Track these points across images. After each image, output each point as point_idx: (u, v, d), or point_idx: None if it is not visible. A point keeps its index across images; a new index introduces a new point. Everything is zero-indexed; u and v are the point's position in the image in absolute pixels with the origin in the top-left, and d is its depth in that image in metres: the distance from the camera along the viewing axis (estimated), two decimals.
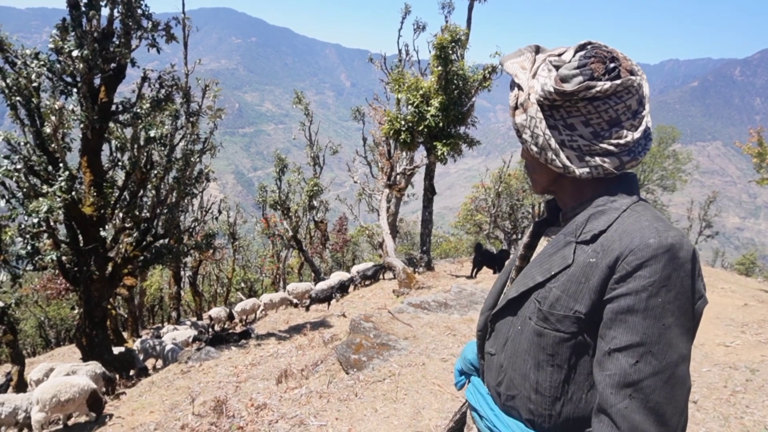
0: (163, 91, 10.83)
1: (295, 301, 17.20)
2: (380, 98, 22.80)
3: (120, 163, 11.47)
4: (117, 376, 10.19)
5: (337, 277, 18.02)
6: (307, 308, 15.24)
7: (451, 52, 12.72)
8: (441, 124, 13.04)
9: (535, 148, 1.20)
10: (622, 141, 1.13)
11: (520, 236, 30.03)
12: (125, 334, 18.16)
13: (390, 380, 5.43)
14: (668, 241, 1.02)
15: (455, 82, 13.05)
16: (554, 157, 1.17)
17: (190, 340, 12.91)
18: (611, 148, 1.13)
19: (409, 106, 13.30)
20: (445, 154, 13.21)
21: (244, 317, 17.54)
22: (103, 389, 8.75)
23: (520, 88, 1.21)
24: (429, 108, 12.93)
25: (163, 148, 11.43)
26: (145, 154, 11.13)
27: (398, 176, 19.28)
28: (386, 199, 16.59)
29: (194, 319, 22.79)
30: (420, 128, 13.12)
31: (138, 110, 10.45)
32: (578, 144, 1.15)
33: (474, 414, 1.38)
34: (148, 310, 30.97)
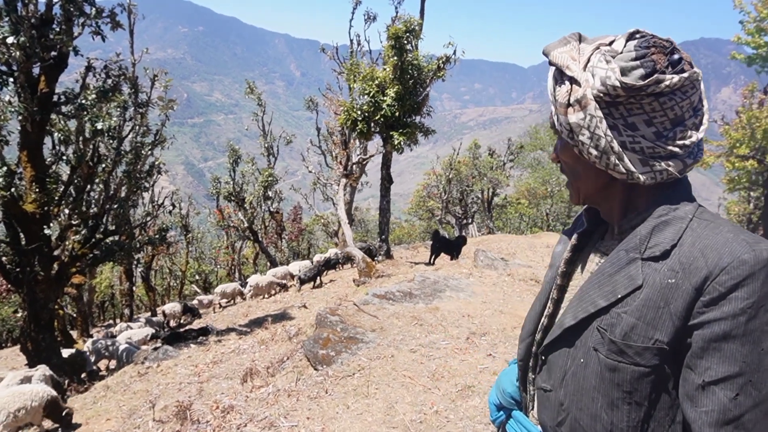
0: (109, 81, 10.34)
1: (284, 282, 16.92)
2: (333, 88, 22.58)
3: (64, 157, 10.90)
4: (67, 381, 9.78)
5: (296, 265, 17.90)
6: (299, 289, 15.25)
7: (405, 42, 12.67)
8: (397, 114, 13.01)
9: (594, 152, 1.03)
10: (687, 142, 1.01)
11: (470, 221, 30.51)
12: (74, 334, 17.48)
13: (360, 374, 5.38)
14: (764, 255, 0.90)
15: (410, 71, 13.02)
16: (617, 161, 1.02)
17: (148, 338, 12.54)
18: (676, 149, 1.01)
19: (365, 96, 13.21)
20: (402, 143, 13.20)
21: (225, 300, 17.42)
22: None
23: (574, 81, 1.03)
24: (385, 98, 12.87)
25: (111, 141, 10.96)
26: (92, 147, 10.65)
27: (354, 166, 19.19)
28: (343, 189, 16.49)
29: (148, 314, 22.14)
30: (377, 118, 13.06)
31: (83, 101, 9.94)
32: (641, 146, 1.01)
33: None
34: (98, 307, 29.94)
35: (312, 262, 18.57)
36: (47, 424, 6.97)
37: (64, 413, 6.76)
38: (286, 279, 17.53)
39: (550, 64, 1.08)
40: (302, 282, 15.29)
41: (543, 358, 1.18)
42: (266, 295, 16.49)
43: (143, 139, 11.64)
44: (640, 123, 1.00)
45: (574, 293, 1.15)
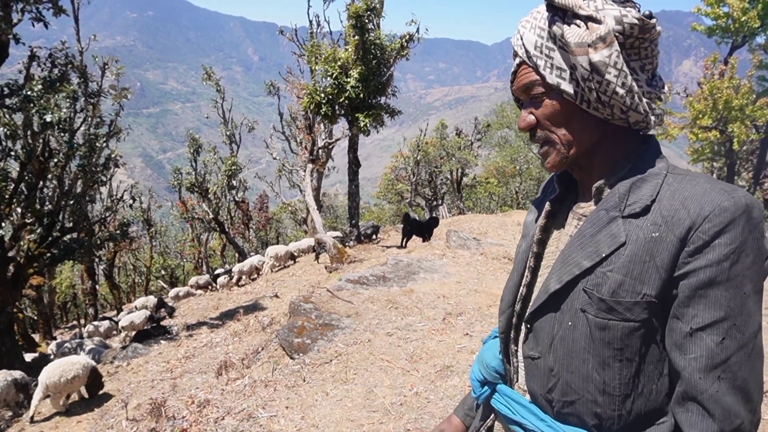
0: (56, 70, 9.84)
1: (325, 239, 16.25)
2: (294, 71, 22.16)
3: (12, 153, 10.35)
4: (34, 383, 9.38)
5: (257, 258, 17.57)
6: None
7: (367, 21, 12.42)
8: (362, 95, 12.79)
9: (621, 90, 0.99)
10: (665, 90, 1.04)
11: (440, 202, 30.63)
12: (36, 338, 16.88)
13: (337, 361, 5.29)
14: (743, 201, 0.92)
15: (373, 51, 12.80)
16: (639, 100, 1.01)
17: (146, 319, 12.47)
18: (661, 96, 1.04)
19: (328, 78, 12.94)
20: (368, 125, 13.01)
21: (243, 277, 17.01)
22: (19, 398, 8.00)
23: (591, 20, 0.99)
24: (348, 79, 12.63)
25: (62, 134, 10.46)
26: (42, 141, 10.15)
27: (320, 150, 18.91)
28: (310, 175, 16.23)
29: (113, 314, 21.57)
30: (341, 100, 12.82)
31: (28, 93, 9.41)
32: (642, 90, 1.02)
33: (515, 428, 1.18)
34: (60, 308, 29.11)
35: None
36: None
37: (99, 383, 7.38)
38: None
39: (555, 7, 1.02)
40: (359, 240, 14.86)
41: (528, 326, 1.15)
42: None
43: (97, 130, 11.19)
44: (637, 68, 1.02)
45: (550, 260, 1.16)
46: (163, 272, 31.72)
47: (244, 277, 17.06)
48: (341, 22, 13.90)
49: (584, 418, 1.05)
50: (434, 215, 23.51)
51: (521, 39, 1.08)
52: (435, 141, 29.82)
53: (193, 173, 22.68)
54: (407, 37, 13.10)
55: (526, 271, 1.20)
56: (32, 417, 6.99)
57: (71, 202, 10.96)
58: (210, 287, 18.17)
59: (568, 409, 1.06)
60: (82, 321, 23.40)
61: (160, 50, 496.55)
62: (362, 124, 12.89)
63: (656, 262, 0.96)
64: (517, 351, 1.21)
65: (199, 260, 30.10)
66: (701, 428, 0.93)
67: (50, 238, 10.63)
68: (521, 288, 1.20)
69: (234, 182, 24.43)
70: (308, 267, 14.51)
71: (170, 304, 16.81)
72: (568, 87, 1.03)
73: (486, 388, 1.32)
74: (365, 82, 12.73)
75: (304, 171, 16.58)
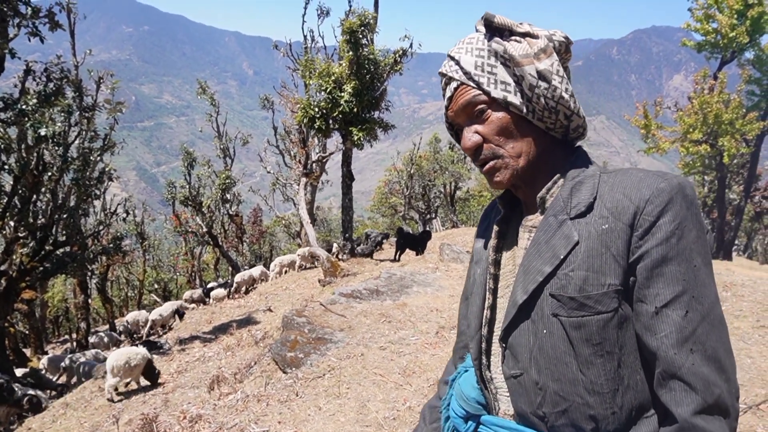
0: (51, 84, 9.85)
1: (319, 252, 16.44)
2: (288, 86, 22.26)
3: (6, 167, 10.33)
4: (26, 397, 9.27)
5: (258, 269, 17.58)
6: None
7: (361, 36, 12.54)
8: (355, 110, 12.88)
9: (566, 95, 1.08)
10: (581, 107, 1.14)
11: (434, 216, 30.70)
12: (28, 352, 16.71)
13: (330, 375, 5.28)
14: (675, 181, 1.00)
15: (367, 66, 12.90)
16: (578, 105, 1.11)
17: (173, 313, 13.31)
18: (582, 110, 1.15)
19: (322, 93, 13.02)
20: (362, 139, 13.10)
21: (244, 288, 17.14)
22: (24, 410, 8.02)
23: (530, 36, 1.09)
24: (342, 94, 12.72)
25: (56, 148, 10.46)
26: (36, 154, 10.14)
27: (314, 164, 18.96)
28: (303, 188, 16.26)
29: (106, 328, 21.40)
30: (335, 114, 12.89)
31: (23, 107, 9.42)
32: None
33: None
34: (52, 322, 28.82)
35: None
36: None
37: (155, 373, 7.93)
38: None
39: (493, 28, 1.10)
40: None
41: (504, 345, 1.14)
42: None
43: (91, 144, 11.18)
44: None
45: (509, 279, 1.18)
46: (156, 286, 31.53)
47: (244, 287, 17.18)
48: (335, 37, 14.03)
49: (580, 425, 1.04)
50: (427, 229, 23.53)
51: (458, 63, 1.12)
52: (428, 155, 29.94)
53: (187, 187, 22.64)
54: (401, 52, 13.24)
55: (487, 294, 1.21)
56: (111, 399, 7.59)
57: (64, 216, 10.94)
58: (204, 302, 18.10)
59: (562, 420, 1.05)
60: (74, 335, 23.19)
61: (156, 64, 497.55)
62: (356, 138, 12.97)
63: (612, 251, 1.00)
64: (492, 377, 1.20)
65: (193, 274, 29.93)
66: (687, 403, 0.94)
67: (43, 252, 10.59)
68: (485, 311, 1.21)
69: (228, 196, 24.40)
70: (302, 281, 14.49)
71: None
72: (514, 99, 1.08)
73: (470, 423, 1.27)
74: (359, 96, 12.82)
75: (298, 184, 16.60)
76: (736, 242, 27.16)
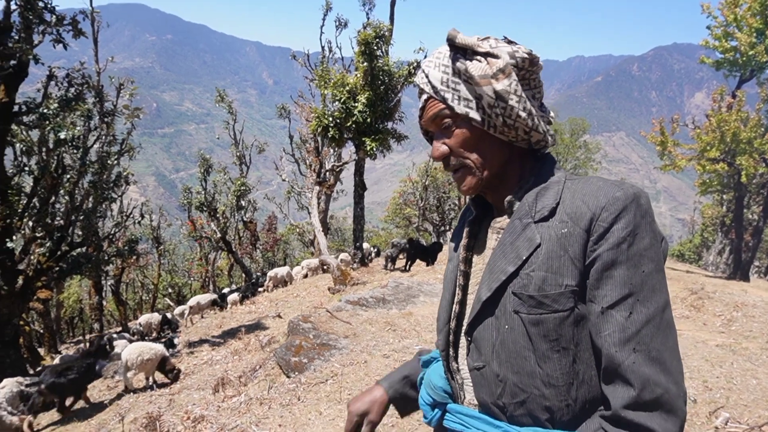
0: (72, 89, 10.11)
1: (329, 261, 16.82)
2: (305, 95, 22.52)
3: (27, 168, 10.60)
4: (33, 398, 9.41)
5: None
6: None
7: (375, 47, 12.70)
8: (369, 120, 13.01)
9: (524, 114, 1.14)
10: (552, 115, 1.21)
11: (448, 228, 30.65)
12: (42, 351, 16.97)
13: (333, 381, 5.33)
14: (631, 191, 1.06)
15: (381, 77, 13.05)
16: (538, 121, 1.16)
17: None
18: (550, 120, 1.22)
19: (336, 103, 13.18)
20: (374, 149, 13.21)
21: (272, 285, 17.79)
22: (24, 408, 8.01)
23: (490, 56, 1.14)
24: (356, 104, 12.87)
25: (75, 151, 10.69)
26: (56, 157, 10.39)
27: (328, 173, 19.11)
28: (317, 197, 16.39)
29: (119, 329, 21.64)
30: (348, 124, 13.03)
31: (45, 111, 9.68)
32: (537, 114, 1.18)
33: None
34: (66, 323, 29.19)
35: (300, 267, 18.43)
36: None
37: (173, 369, 8.11)
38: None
39: (456, 47, 1.17)
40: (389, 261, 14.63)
41: (469, 338, 1.21)
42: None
43: (109, 148, 11.40)
44: (529, 96, 1.17)
45: (478, 277, 1.23)
46: (170, 290, 31.80)
47: (272, 283, 17.90)
48: (352, 48, 14.21)
49: (536, 415, 1.10)
50: (440, 240, 23.51)
51: (427, 77, 1.19)
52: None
53: (203, 192, 22.91)
54: (415, 63, 13.36)
55: (457, 289, 1.28)
56: (126, 388, 7.89)
57: (81, 218, 11.15)
58: (220, 306, 18.31)
59: (520, 410, 1.12)
60: (88, 336, 23.47)
61: (177, 72, 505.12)
62: (368, 148, 13.08)
63: (569, 254, 1.06)
64: (459, 368, 1.27)
65: (207, 279, 30.17)
66: (621, 396, 0.99)
67: (59, 252, 10.79)
68: (454, 306, 1.28)
69: (243, 202, 24.61)
70: (312, 288, 14.57)
71: (176, 320, 16.97)
72: (475, 115, 1.15)
73: (437, 410, 1.35)
74: (372, 107, 12.95)
75: (312, 193, 16.74)
76: (756, 264, 26.72)
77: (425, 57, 13.40)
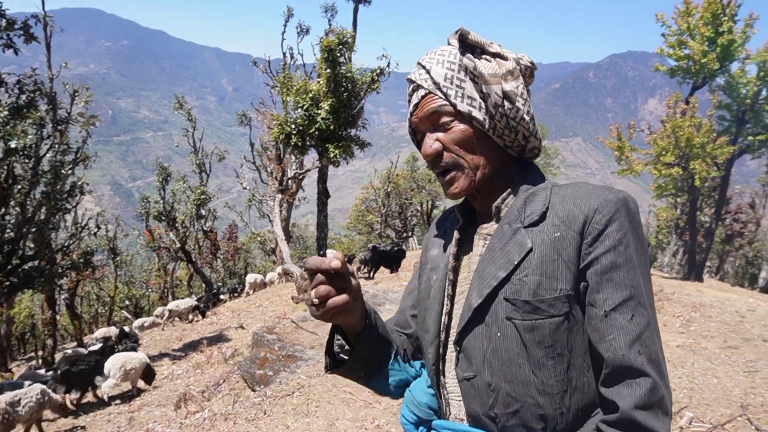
0: (23, 96, 9.72)
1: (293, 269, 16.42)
2: (266, 102, 22.29)
3: None
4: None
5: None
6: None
7: (338, 54, 12.66)
8: (332, 127, 12.94)
9: (527, 117, 1.15)
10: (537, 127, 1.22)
11: (411, 234, 30.76)
12: None
13: (300, 393, 5.24)
14: (621, 195, 1.07)
15: (344, 84, 13.00)
16: (536, 129, 1.18)
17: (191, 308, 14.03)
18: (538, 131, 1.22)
19: (299, 110, 13.07)
20: (338, 156, 13.13)
21: (252, 290, 17.72)
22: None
23: (501, 57, 1.15)
24: (319, 111, 12.78)
25: (27, 160, 10.28)
26: (6, 167, 9.95)
27: (290, 181, 18.93)
28: (279, 205, 16.19)
29: (74, 345, 20.83)
30: (311, 131, 12.93)
31: None
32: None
33: None
34: (17, 339, 27.99)
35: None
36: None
37: (155, 375, 8.32)
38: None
39: (467, 44, 1.16)
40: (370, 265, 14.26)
41: (458, 348, 1.17)
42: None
43: (63, 157, 11.01)
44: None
45: (464, 285, 1.20)
46: (127, 302, 30.88)
47: (252, 289, 17.80)
48: (314, 55, 14.13)
49: (530, 425, 1.07)
50: (402, 247, 23.54)
51: (428, 73, 1.16)
52: (406, 173, 30.10)
53: (161, 202, 22.37)
54: (378, 70, 13.37)
55: (446, 299, 1.23)
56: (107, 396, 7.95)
57: (33, 230, 10.71)
58: (202, 313, 17.92)
59: (513, 421, 1.08)
60: (40, 353, 22.53)
61: (134, 79, 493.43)
62: (332, 155, 13.00)
63: (563, 258, 1.05)
64: (446, 382, 1.22)
65: (165, 290, 29.43)
66: (628, 396, 0.98)
67: (10, 266, 10.33)
68: (443, 317, 1.23)
69: (203, 211, 24.15)
70: (275, 298, 14.37)
71: (135, 334, 16.45)
72: (478, 114, 1.14)
73: (421, 428, 1.28)
74: (336, 114, 12.89)
75: (273, 201, 16.54)
76: (708, 264, 27.72)
77: (388, 64, 13.49)
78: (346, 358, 1.24)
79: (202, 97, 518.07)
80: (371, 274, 13.37)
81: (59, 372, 7.86)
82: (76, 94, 12.21)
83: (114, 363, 7.92)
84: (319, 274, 1.03)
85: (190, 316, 15.12)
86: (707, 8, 14.30)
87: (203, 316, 15.39)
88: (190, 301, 15.03)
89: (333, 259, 1.02)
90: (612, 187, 1.10)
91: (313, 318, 1.06)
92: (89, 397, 8.28)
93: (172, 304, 14.81)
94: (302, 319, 7.28)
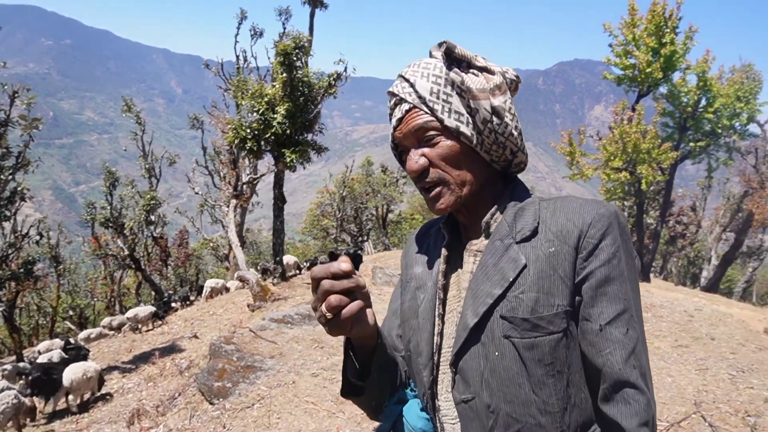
0: None
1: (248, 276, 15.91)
2: (219, 106, 21.85)
3: None
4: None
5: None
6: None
7: (295, 58, 12.51)
8: (288, 132, 12.77)
9: (515, 132, 1.13)
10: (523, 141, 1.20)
11: (366, 239, 30.72)
12: None
13: (260, 405, 5.10)
14: (612, 208, 1.07)
15: (301, 88, 12.87)
16: (524, 143, 1.17)
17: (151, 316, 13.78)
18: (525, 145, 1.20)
19: (254, 114, 12.83)
20: (294, 161, 12.97)
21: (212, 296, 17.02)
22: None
23: (488, 71, 1.13)
24: (275, 115, 12.59)
25: None
26: None
27: (244, 186, 18.59)
28: (233, 210, 15.86)
29: (13, 359, 19.77)
30: (267, 136, 12.72)
31: None
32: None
33: None
34: None
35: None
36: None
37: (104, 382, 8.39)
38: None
39: (453, 58, 1.12)
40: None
41: (454, 369, 1.13)
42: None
43: (3, 162, 10.42)
44: None
45: (453, 304, 1.18)
46: (71, 312, 29.58)
47: (212, 294, 17.14)
48: (269, 58, 13.93)
49: None
50: (356, 249, 23.46)
51: (412, 86, 1.11)
52: (361, 177, 30.08)
53: (108, 207, 21.54)
54: (335, 75, 13.29)
55: (437, 320, 1.19)
56: (53, 411, 7.80)
57: None
58: (161, 318, 17.30)
59: None
60: None
61: (77, 79, 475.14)
62: (288, 160, 12.84)
63: (559, 273, 1.04)
64: (440, 405, 1.18)
65: (112, 299, 28.36)
66: (631, 415, 0.99)
67: None
68: (435, 338, 1.18)
69: (152, 217, 23.38)
70: (229, 305, 14.03)
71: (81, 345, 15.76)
72: (466, 130, 1.10)
73: None
74: (292, 118, 12.74)
75: (227, 206, 16.19)
76: (654, 264, 28.84)
77: (345, 69, 13.42)
78: (361, 383, 1.16)
79: (150, 99, 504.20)
80: None
81: (30, 378, 7.89)
82: (16, 95, 11.60)
83: (75, 372, 7.86)
84: (323, 283, 0.94)
85: (150, 324, 14.74)
86: (651, 20, 14.91)
87: (161, 320, 15.04)
88: (149, 308, 14.65)
89: (341, 262, 0.94)
90: (601, 201, 1.10)
91: (330, 335, 0.99)
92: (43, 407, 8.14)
93: (131, 313, 14.43)
94: (261, 327, 7.11)
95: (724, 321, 7.85)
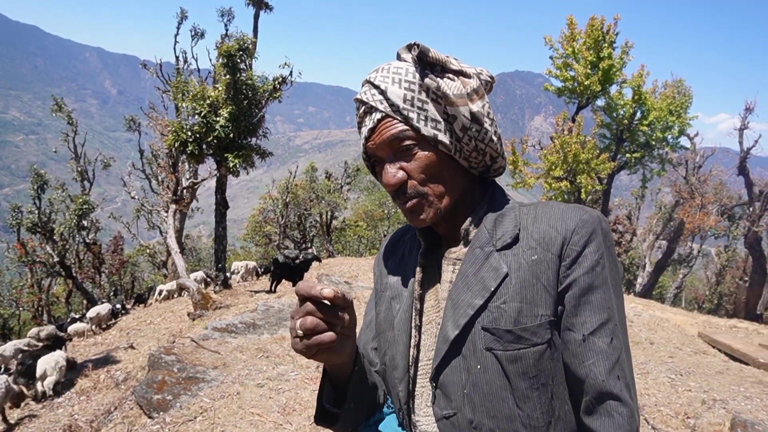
0: None
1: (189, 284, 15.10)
2: (157, 107, 21.17)
3: None
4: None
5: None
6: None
7: (239, 60, 12.26)
8: (231, 135, 12.48)
9: (495, 138, 1.08)
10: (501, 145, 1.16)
11: (310, 245, 30.44)
12: None
13: (203, 417, 4.89)
14: (594, 214, 1.03)
15: (244, 91, 12.61)
16: (503, 149, 1.12)
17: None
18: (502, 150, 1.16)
19: (196, 116, 12.47)
20: (238, 165, 12.68)
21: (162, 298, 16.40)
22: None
23: (463, 74, 1.06)
24: (218, 118, 12.27)
25: None
26: None
27: (184, 190, 18.04)
28: (172, 216, 15.34)
29: None
30: (209, 139, 12.38)
31: None
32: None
33: None
34: None
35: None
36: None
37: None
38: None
39: (426, 62, 1.04)
40: (277, 277, 13.23)
41: (434, 384, 1.08)
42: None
43: None
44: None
45: (431, 314, 1.13)
46: None
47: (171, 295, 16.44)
48: (210, 60, 13.60)
49: None
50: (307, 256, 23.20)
51: (383, 94, 1.04)
52: (305, 183, 29.84)
53: (36, 212, 20.41)
54: (280, 79, 13.10)
55: (413, 331, 1.14)
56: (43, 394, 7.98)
57: None
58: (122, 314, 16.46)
59: None
60: None
61: (1, 77, 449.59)
62: (231, 164, 12.54)
63: (542, 282, 1.00)
64: (417, 421, 1.13)
65: (40, 309, 26.83)
66: (616, 427, 0.95)
67: None
68: (411, 350, 1.13)
69: (84, 222, 22.34)
70: (168, 314, 13.52)
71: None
72: (444, 138, 1.04)
73: None
74: (235, 122, 12.47)
75: (166, 211, 15.65)
76: None
77: (290, 73, 13.26)
78: (336, 411, 1.09)
79: (82, 100, 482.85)
80: (273, 287, 12.98)
81: (23, 365, 8.34)
82: None
83: (48, 362, 8.08)
84: (308, 303, 0.88)
85: (105, 323, 14.38)
86: (589, 34, 15.56)
87: (116, 317, 14.86)
88: (106, 305, 14.34)
89: (326, 287, 0.87)
90: (582, 205, 1.07)
91: (294, 350, 0.91)
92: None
93: (92, 312, 14.08)
94: (203, 337, 6.87)
95: (662, 326, 8.20)
